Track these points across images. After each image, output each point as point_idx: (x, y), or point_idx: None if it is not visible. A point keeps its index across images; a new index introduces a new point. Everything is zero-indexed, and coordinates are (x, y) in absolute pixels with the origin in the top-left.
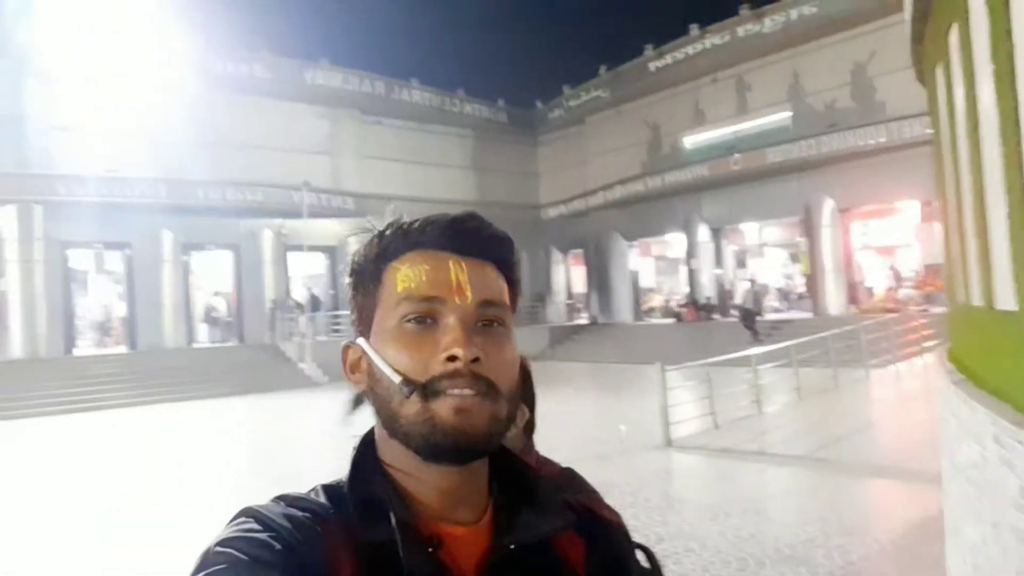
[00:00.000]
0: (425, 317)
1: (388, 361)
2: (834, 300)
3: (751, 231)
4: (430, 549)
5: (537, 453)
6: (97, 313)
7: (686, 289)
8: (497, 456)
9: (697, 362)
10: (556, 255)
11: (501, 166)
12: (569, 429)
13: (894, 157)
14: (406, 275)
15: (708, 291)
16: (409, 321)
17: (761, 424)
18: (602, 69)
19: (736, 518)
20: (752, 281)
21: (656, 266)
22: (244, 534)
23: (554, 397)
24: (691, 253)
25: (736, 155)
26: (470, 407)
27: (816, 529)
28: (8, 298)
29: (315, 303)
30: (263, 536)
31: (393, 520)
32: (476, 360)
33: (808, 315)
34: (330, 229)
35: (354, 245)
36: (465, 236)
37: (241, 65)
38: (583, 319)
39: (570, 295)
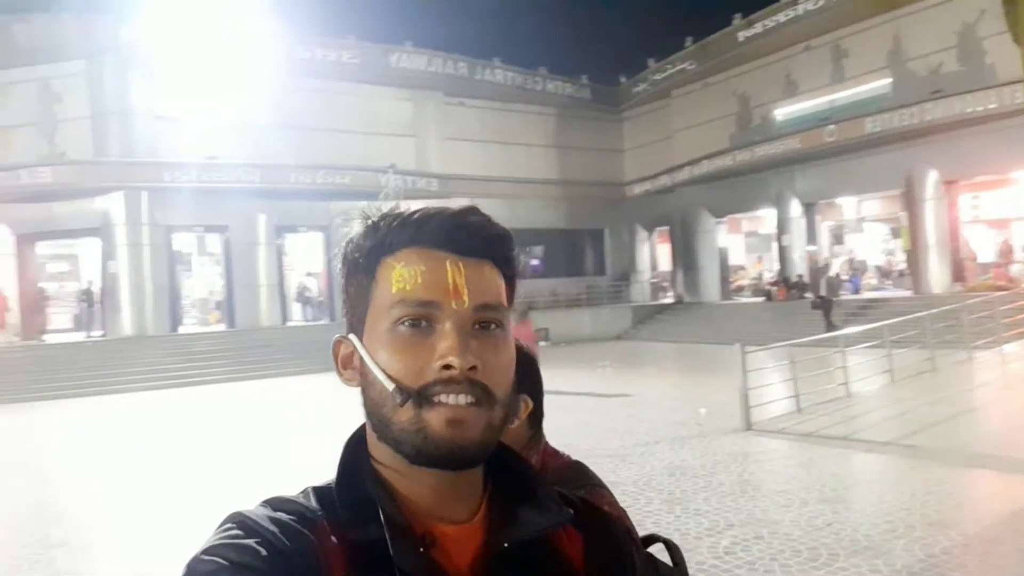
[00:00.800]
0: (420, 320)
1: (381, 365)
2: (937, 277)
3: (848, 205)
4: (422, 549)
5: (547, 444)
6: (199, 293)
7: (777, 267)
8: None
9: (782, 343)
10: (641, 233)
11: (584, 144)
12: (648, 411)
13: (1007, 124)
14: (401, 275)
15: (800, 269)
16: (403, 324)
17: (848, 408)
18: (688, 41)
19: (812, 506)
20: (827, 264)
21: (746, 243)
22: (230, 540)
23: (635, 379)
24: (783, 229)
25: (831, 126)
26: (464, 417)
27: (898, 520)
28: (119, 280)
29: None
30: (249, 542)
31: (383, 520)
32: (473, 368)
33: (907, 293)
34: None
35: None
36: (465, 234)
37: (328, 51)
38: (668, 298)
39: (655, 274)
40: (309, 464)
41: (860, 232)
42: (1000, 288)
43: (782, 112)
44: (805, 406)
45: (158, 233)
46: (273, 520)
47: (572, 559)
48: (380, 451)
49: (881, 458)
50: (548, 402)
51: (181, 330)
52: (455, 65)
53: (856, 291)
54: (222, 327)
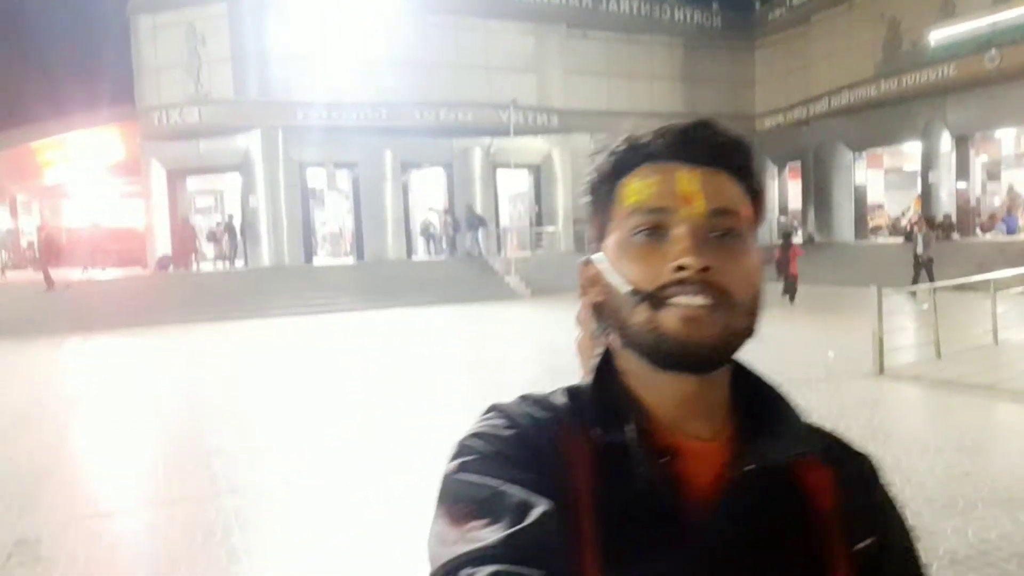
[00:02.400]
0: (655, 228)
1: (619, 272)
2: None
3: (1007, 139)
4: (663, 459)
5: None
6: (331, 227)
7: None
8: (739, 374)
9: (922, 285)
10: (770, 168)
11: (712, 75)
12: (773, 352)
13: None
14: (636, 188)
15: (948, 208)
16: (638, 233)
17: (994, 355)
18: None
19: (949, 454)
20: (929, 220)
21: (885, 180)
22: (491, 429)
23: (762, 320)
24: (929, 165)
25: (992, 51)
26: (699, 316)
27: None
28: (258, 214)
29: (477, 220)
30: (507, 433)
31: (631, 425)
32: (707, 269)
33: None
34: (535, 147)
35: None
36: (696, 144)
37: None
38: (798, 238)
39: (785, 211)
40: (434, 386)
41: (1020, 168)
42: None
43: (937, 36)
44: (946, 353)
45: (292, 169)
46: (529, 415)
47: (818, 496)
48: (625, 360)
49: None
50: None
51: (314, 262)
52: None
53: (1011, 232)
54: (351, 260)
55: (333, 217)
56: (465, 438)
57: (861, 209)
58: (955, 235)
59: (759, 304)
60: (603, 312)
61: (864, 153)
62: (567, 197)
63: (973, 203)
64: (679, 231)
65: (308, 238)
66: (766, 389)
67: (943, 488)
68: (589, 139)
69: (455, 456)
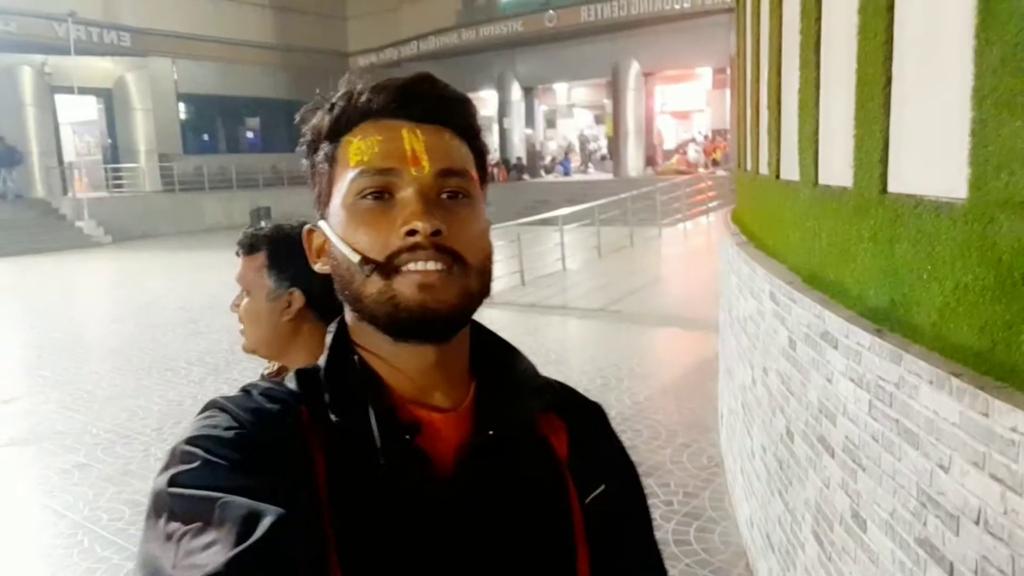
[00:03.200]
0: (382, 192)
1: (346, 240)
2: (634, 162)
3: (561, 91)
4: (407, 436)
5: None
6: None
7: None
8: (475, 334)
9: (509, 223)
10: None
11: (304, 6)
12: None
13: (695, 24)
14: (358, 148)
15: (519, 151)
16: (365, 197)
17: (564, 280)
18: None
19: (541, 368)
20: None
21: None
22: (208, 431)
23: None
24: (503, 112)
25: (551, 11)
26: (434, 282)
27: (610, 375)
28: None
29: (7, 154)
30: (228, 434)
31: (369, 405)
32: (438, 233)
33: (609, 176)
34: (104, 69)
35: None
36: (419, 100)
37: None
38: None
39: None
40: None
41: (571, 117)
42: (682, 172)
43: None
44: (529, 280)
45: None
46: (255, 410)
47: (556, 448)
48: (362, 334)
49: (593, 323)
50: None
51: None
52: None
53: (567, 174)
54: None
55: None
56: (177, 444)
57: None
58: (525, 176)
59: (491, 264)
60: (336, 284)
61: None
62: (149, 128)
63: (538, 147)
64: (407, 193)
65: None
66: (501, 347)
67: None
68: (171, 65)
69: (166, 466)
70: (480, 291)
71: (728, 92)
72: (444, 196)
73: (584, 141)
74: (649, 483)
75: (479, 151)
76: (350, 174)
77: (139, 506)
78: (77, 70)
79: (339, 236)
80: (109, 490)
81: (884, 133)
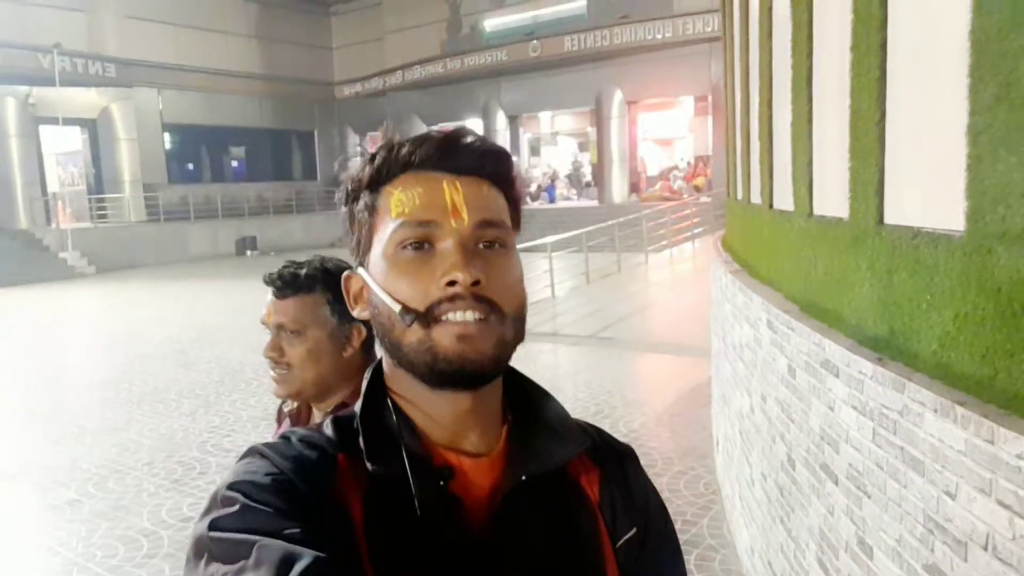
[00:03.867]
0: (422, 242)
1: (387, 290)
2: (618, 189)
3: (545, 120)
4: (441, 482)
5: None
6: None
7: None
8: (509, 378)
9: None
10: (352, 137)
11: (290, 37)
12: None
13: (677, 53)
14: (399, 200)
15: None
16: (406, 248)
17: (554, 307)
18: None
19: None
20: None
21: None
22: (248, 476)
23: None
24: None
25: (535, 41)
26: (473, 333)
27: (603, 402)
28: None
29: None
30: (267, 480)
31: (404, 452)
32: (477, 283)
33: (594, 203)
34: (88, 100)
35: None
36: (459, 153)
37: None
38: None
39: None
40: None
41: (555, 145)
42: (666, 199)
43: (490, 23)
44: None
45: None
46: (294, 457)
47: (588, 492)
48: (398, 381)
49: (584, 350)
50: None
51: None
52: None
53: (552, 201)
54: None
55: None
56: (219, 488)
57: None
58: None
59: (525, 311)
60: (375, 330)
61: (436, 126)
62: (133, 158)
63: (524, 175)
64: (447, 244)
65: None
66: (534, 391)
67: None
68: (157, 95)
69: (207, 511)
70: (515, 338)
71: (710, 119)
72: (481, 246)
73: (577, 167)
74: None
75: (514, 200)
76: (391, 225)
77: (133, 542)
78: (62, 101)
79: (380, 285)
80: (103, 526)
81: (879, 166)
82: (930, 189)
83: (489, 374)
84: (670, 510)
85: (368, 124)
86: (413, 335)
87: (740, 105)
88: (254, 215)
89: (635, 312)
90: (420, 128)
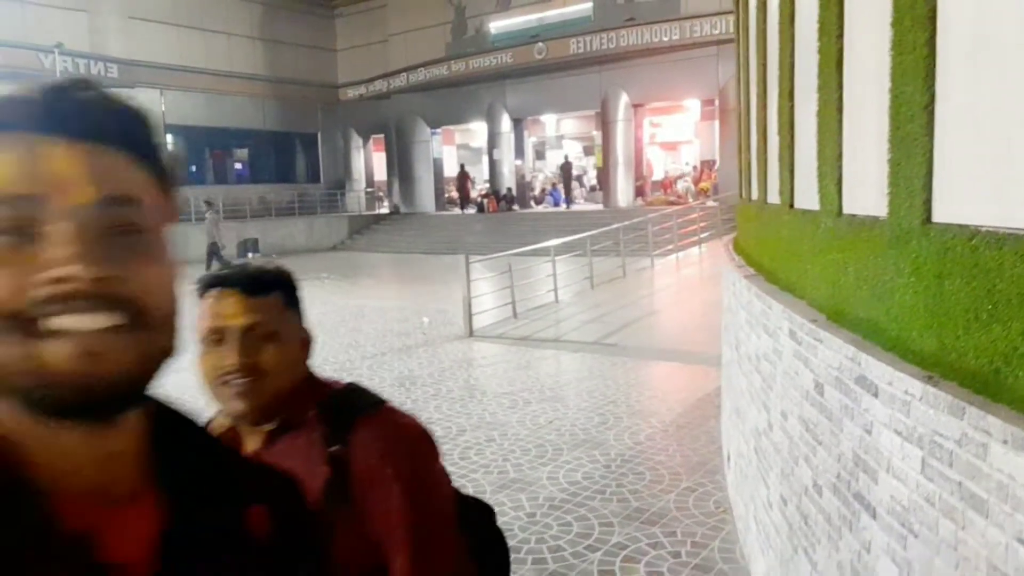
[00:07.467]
0: (19, 225)
1: None
2: (623, 193)
3: (550, 123)
4: (80, 549)
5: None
6: None
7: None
8: (156, 408)
9: (499, 253)
10: (355, 140)
11: (294, 39)
12: (371, 322)
13: (684, 56)
14: None
15: (508, 182)
16: None
17: (557, 312)
18: None
19: (535, 405)
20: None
21: (458, 155)
22: None
23: (354, 290)
24: (493, 143)
25: (541, 43)
26: (101, 344)
27: (608, 412)
28: None
29: None
30: None
31: (20, 516)
32: (102, 279)
33: (599, 207)
34: None
35: None
36: (73, 111)
37: None
38: (384, 208)
39: (371, 183)
40: None
41: (560, 148)
42: (672, 203)
43: (496, 25)
44: (520, 312)
45: None
46: None
47: (258, 533)
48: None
49: (588, 357)
50: None
51: None
52: None
53: (556, 204)
54: None
55: None
56: None
57: (440, 182)
58: (515, 206)
59: (178, 316)
60: None
61: (440, 129)
62: None
63: (528, 178)
64: (56, 228)
65: None
66: (185, 425)
67: (534, 437)
68: (159, 96)
69: None
70: (164, 350)
71: (716, 124)
72: (113, 231)
73: (568, 167)
74: (655, 532)
75: (161, 174)
76: None
77: None
78: None
79: None
80: None
81: (927, 157)
82: (994, 182)
83: (126, 398)
84: (678, 529)
85: (372, 127)
86: (8, 349)
87: (756, 99)
88: (256, 217)
89: (641, 318)
90: (424, 131)
